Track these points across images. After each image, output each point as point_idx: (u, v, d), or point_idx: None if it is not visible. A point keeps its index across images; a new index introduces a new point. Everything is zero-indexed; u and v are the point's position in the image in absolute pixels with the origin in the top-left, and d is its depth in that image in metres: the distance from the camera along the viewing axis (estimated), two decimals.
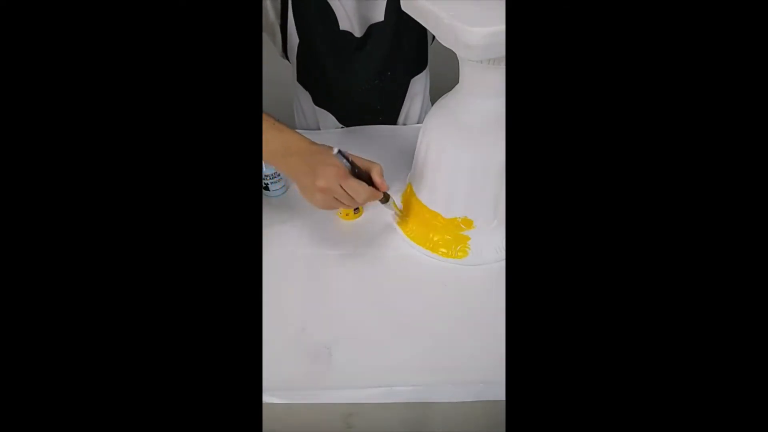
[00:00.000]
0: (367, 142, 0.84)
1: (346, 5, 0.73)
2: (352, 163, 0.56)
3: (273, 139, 0.55)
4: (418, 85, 0.87)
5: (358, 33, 0.77)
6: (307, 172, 0.54)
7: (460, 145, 0.58)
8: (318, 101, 0.87)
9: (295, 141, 0.56)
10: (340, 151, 0.54)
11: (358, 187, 0.54)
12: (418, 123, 0.91)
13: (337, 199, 0.55)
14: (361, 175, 0.57)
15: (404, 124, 0.91)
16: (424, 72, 0.86)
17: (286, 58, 0.83)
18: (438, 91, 0.66)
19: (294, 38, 0.78)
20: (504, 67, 0.51)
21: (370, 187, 0.56)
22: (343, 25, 0.75)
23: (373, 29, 0.77)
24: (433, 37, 0.82)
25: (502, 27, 0.45)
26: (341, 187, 0.54)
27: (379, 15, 0.75)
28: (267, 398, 0.49)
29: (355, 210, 0.69)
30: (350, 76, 0.80)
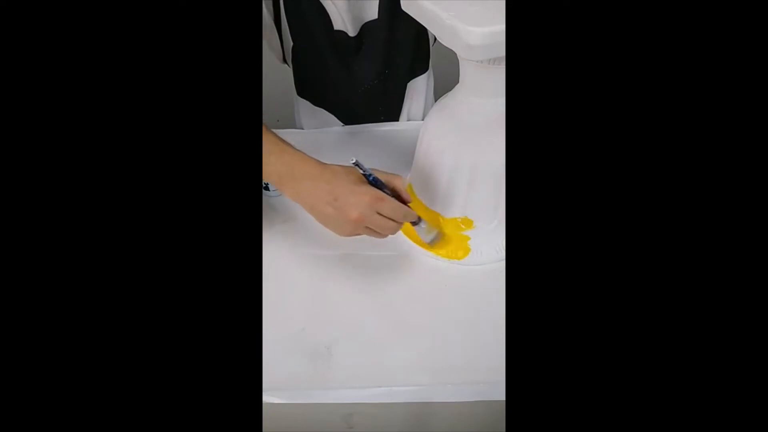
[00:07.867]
0: (367, 142, 0.84)
1: (338, 2, 0.72)
2: (374, 177, 0.50)
3: (276, 161, 0.50)
4: (419, 86, 0.86)
5: (351, 32, 0.76)
6: (329, 200, 0.48)
7: (460, 145, 0.58)
8: (318, 102, 0.87)
9: (301, 163, 0.50)
10: (357, 163, 0.48)
11: (397, 208, 0.49)
12: (421, 121, 0.90)
13: (368, 227, 0.49)
14: (386, 189, 0.51)
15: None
16: (426, 73, 0.86)
17: (285, 62, 0.83)
18: (441, 90, 0.66)
19: (288, 41, 0.77)
20: (504, 67, 0.51)
21: (405, 206, 0.50)
22: (337, 24, 0.74)
23: (366, 28, 0.76)
24: (435, 38, 0.82)
25: (503, 27, 0.45)
26: (378, 213, 0.48)
27: (372, 13, 0.75)
28: (267, 398, 0.49)
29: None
30: (348, 78, 0.80)
